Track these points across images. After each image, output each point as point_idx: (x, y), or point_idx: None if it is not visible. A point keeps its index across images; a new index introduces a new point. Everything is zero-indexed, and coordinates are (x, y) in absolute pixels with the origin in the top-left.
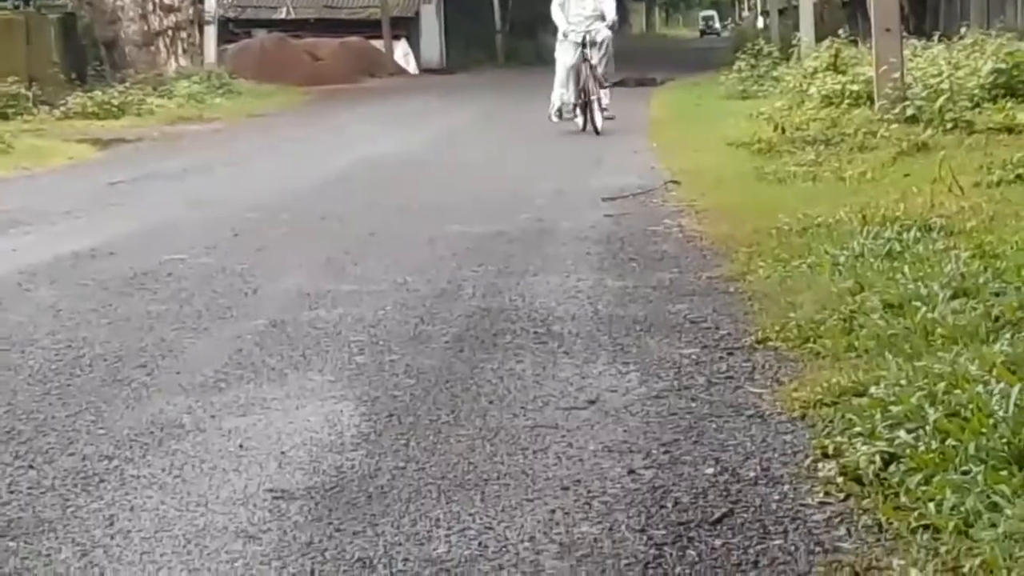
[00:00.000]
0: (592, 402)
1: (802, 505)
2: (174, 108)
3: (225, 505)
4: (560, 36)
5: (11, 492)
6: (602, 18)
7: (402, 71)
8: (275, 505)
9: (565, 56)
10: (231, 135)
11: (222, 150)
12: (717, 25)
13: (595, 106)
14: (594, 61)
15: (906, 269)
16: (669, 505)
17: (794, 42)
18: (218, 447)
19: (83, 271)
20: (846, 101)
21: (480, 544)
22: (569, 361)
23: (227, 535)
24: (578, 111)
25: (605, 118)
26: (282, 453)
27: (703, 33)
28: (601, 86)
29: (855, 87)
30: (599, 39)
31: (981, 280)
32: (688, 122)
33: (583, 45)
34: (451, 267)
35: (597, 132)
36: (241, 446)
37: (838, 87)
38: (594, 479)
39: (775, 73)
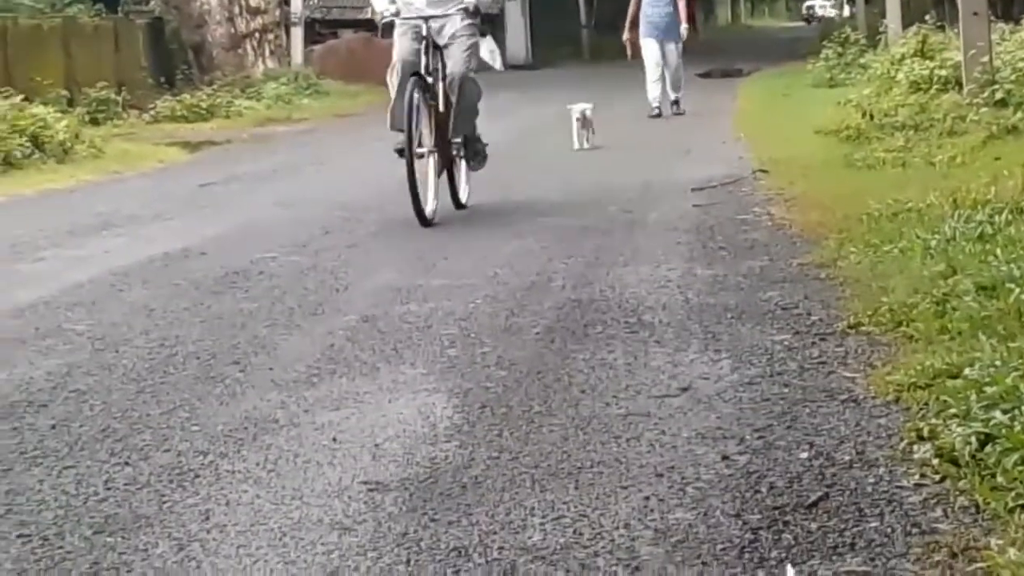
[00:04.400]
0: (684, 390)
1: (898, 487)
2: (262, 110)
3: (320, 498)
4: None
5: (108, 489)
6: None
7: (488, 68)
8: (370, 497)
9: (401, 52)
10: (319, 135)
11: (311, 150)
12: (820, 12)
13: (459, 169)
14: (445, 75)
15: (998, 251)
16: (764, 490)
17: (881, 29)
18: (312, 441)
19: (175, 271)
20: (934, 86)
21: (575, 532)
22: (660, 350)
23: (322, 527)
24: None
25: (675, 113)
26: (376, 446)
27: (808, 20)
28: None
29: (943, 72)
30: (444, 39)
31: None
32: (775, 111)
33: (422, 47)
34: (541, 259)
35: (459, 206)
36: (335, 439)
37: (926, 72)
38: (688, 466)
39: (862, 60)
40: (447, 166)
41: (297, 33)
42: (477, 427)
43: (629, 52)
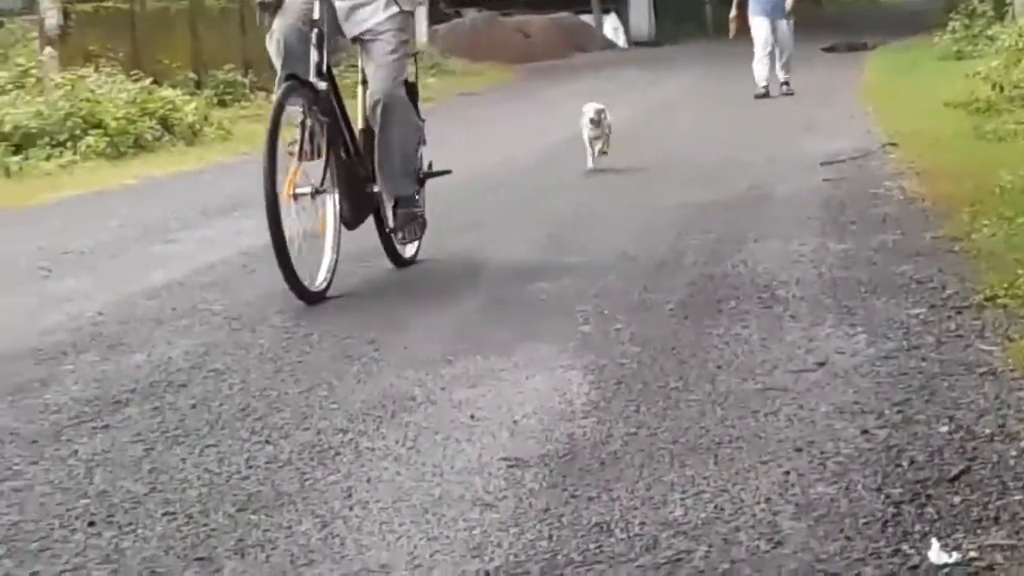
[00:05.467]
0: (821, 364)
1: None
2: None
3: (460, 474)
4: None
5: (249, 467)
6: None
7: (612, 45)
8: (510, 473)
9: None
10: (444, 114)
11: (435, 128)
12: None
13: (401, 215)
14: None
15: None
16: (905, 464)
17: (1008, 0)
18: (450, 418)
19: None
20: None
21: (716, 507)
22: (795, 325)
23: (464, 504)
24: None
25: (784, 93)
26: (514, 422)
27: None
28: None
29: None
30: (358, 28)
31: None
32: (902, 85)
33: (313, 37)
34: (671, 236)
35: (401, 263)
36: (473, 416)
37: None
38: (827, 440)
39: (990, 32)
40: (371, 209)
41: (422, 12)
42: (614, 403)
43: (732, 31)
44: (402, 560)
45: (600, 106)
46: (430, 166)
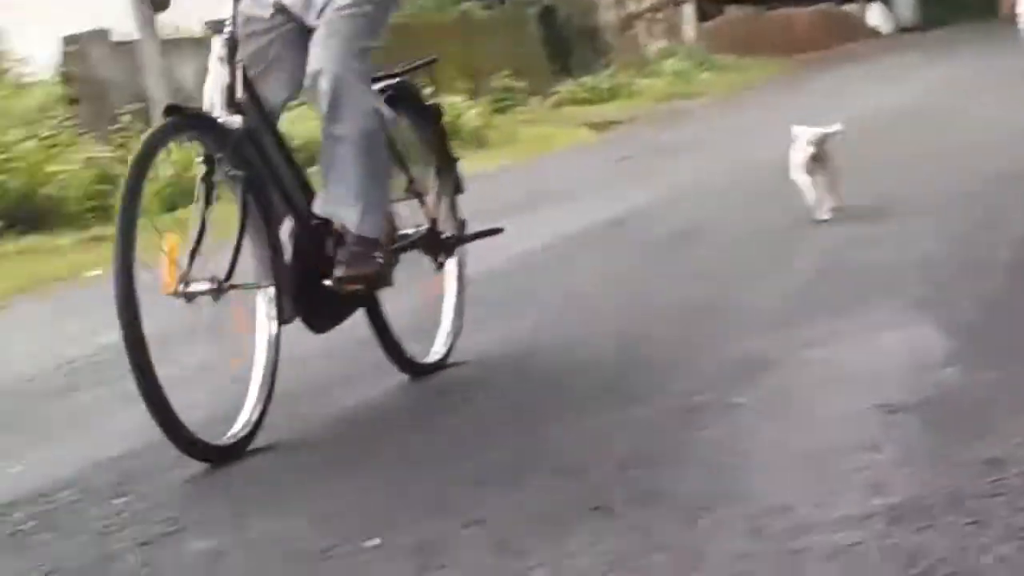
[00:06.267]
0: None
1: None
2: (661, 87)
3: (835, 423)
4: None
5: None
6: None
7: (876, 33)
8: (886, 419)
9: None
10: (720, 108)
11: (715, 122)
12: None
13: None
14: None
15: None
16: None
17: None
18: (808, 375)
19: (620, 235)
20: None
21: None
22: None
23: (847, 448)
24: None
25: None
26: (876, 373)
27: None
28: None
29: None
30: (312, 15)
31: None
32: None
33: (227, 55)
34: (985, 201)
35: (419, 370)
36: (831, 373)
37: None
38: None
39: None
40: (352, 303)
41: (687, 10)
42: (971, 353)
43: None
44: (802, 500)
45: (823, 131)
46: (463, 225)
